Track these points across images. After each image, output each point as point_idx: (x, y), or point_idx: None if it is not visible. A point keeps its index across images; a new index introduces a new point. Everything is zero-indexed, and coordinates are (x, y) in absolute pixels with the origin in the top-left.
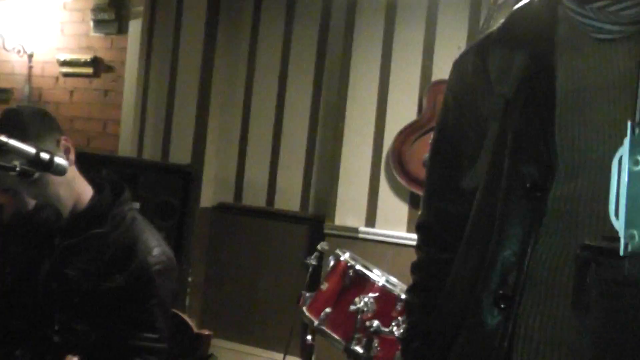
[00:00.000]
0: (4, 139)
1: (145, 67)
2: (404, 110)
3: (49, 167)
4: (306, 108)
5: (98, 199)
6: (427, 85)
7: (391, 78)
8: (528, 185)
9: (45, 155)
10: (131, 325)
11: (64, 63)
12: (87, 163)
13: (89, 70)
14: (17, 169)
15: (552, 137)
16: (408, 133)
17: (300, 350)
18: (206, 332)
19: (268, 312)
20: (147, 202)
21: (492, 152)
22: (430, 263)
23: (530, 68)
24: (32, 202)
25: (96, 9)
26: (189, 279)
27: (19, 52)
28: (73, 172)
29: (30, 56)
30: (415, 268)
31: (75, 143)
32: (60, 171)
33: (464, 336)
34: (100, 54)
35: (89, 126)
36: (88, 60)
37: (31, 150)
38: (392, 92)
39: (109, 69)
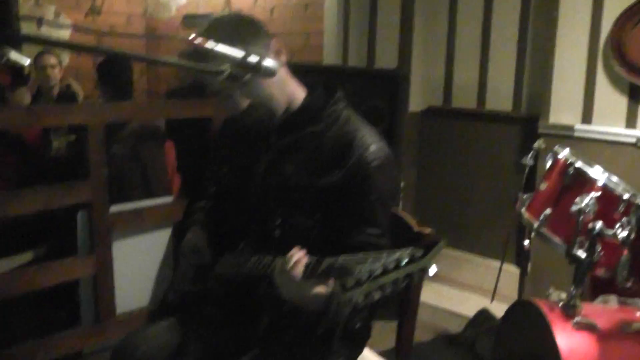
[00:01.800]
0: (211, 44)
1: None
2: None
3: (257, 69)
4: None
5: (312, 97)
6: None
7: None
8: None
9: (252, 58)
10: (352, 220)
11: None
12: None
13: None
14: (226, 72)
15: None
16: (627, 17)
17: (515, 257)
18: (427, 230)
19: (481, 216)
20: (354, 108)
21: None
22: None
23: None
24: (245, 103)
25: None
26: (401, 184)
27: None
28: (285, 73)
29: None
30: None
31: None
32: (269, 73)
33: None
34: None
35: (291, 40)
36: None
37: (238, 54)
38: None
39: None
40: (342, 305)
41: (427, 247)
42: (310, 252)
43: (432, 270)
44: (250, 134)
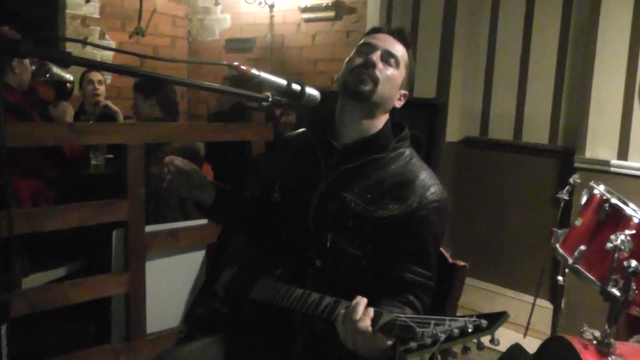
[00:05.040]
0: (255, 72)
1: (388, 4)
2: None
3: (300, 98)
4: (554, 32)
5: (382, 128)
6: None
7: None
8: None
9: (296, 87)
10: (404, 256)
11: (305, 9)
12: (334, 101)
13: (331, 14)
14: (270, 99)
15: None
16: None
17: (549, 293)
18: (461, 263)
19: (515, 250)
20: None
21: None
22: None
23: None
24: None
25: None
26: None
27: (260, 3)
28: None
29: (272, 6)
30: None
31: (319, 83)
32: (312, 102)
33: None
34: None
35: (332, 67)
36: (329, 4)
37: (282, 82)
38: None
39: (351, 10)
40: None
41: (491, 316)
42: (354, 285)
43: (497, 341)
44: (312, 153)
